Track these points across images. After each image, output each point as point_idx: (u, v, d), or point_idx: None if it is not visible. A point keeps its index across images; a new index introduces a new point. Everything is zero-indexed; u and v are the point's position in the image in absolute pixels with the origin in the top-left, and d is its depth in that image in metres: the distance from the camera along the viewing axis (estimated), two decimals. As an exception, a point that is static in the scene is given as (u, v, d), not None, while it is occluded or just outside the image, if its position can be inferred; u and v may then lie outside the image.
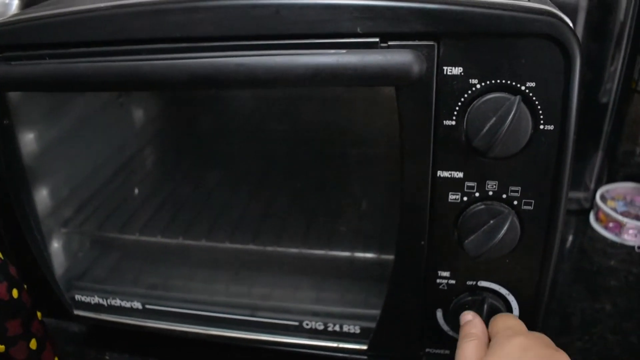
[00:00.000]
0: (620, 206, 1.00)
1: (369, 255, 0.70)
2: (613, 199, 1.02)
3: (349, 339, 0.68)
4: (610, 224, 0.98)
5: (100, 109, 0.86)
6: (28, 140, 0.71)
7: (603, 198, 1.02)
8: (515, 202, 0.55)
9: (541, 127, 0.52)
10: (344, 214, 0.71)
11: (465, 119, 0.53)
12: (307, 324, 0.68)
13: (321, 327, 0.68)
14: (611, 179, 1.06)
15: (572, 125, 0.52)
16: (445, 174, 0.55)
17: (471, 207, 0.56)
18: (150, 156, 0.99)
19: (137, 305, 0.74)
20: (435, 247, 0.58)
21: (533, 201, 0.55)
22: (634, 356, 0.76)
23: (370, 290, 0.69)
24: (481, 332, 0.57)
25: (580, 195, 1.04)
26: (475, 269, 0.59)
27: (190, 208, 0.80)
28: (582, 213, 1.06)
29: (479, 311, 0.60)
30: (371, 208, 0.72)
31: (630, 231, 0.95)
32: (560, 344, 0.79)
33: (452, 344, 0.64)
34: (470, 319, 0.58)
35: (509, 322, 0.57)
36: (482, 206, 0.55)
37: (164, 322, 0.74)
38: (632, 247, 0.96)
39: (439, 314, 0.63)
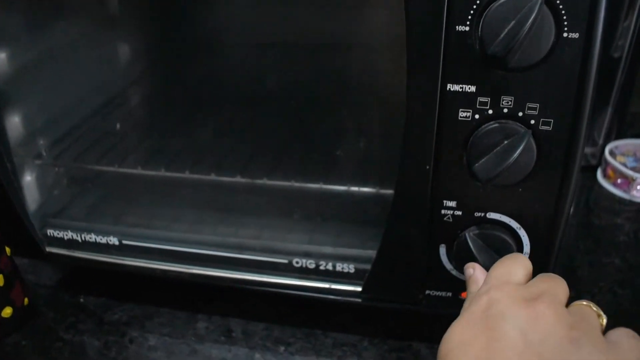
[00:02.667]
0: (630, 162, 0.95)
1: (367, 189, 0.64)
2: (623, 154, 0.96)
3: (342, 280, 0.63)
4: (619, 180, 0.93)
5: (83, 39, 0.79)
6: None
7: (612, 153, 0.96)
8: (533, 121, 0.49)
9: (565, 34, 0.46)
10: (341, 145, 0.65)
11: (481, 23, 0.47)
12: (297, 262, 0.63)
13: (312, 266, 0.63)
14: (620, 136, 1.01)
15: (598, 35, 0.46)
16: (456, 87, 0.49)
17: (483, 126, 0.50)
18: (135, 95, 0.93)
19: (113, 241, 0.68)
20: (442, 172, 0.53)
21: (552, 120, 0.49)
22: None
23: (367, 229, 0.64)
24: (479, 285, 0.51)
25: (587, 150, 0.99)
26: (485, 199, 0.53)
27: (175, 142, 0.74)
28: (589, 169, 1.00)
29: (486, 247, 0.54)
30: (372, 138, 0.65)
31: (639, 187, 0.90)
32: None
33: (455, 285, 0.59)
34: (471, 273, 0.52)
35: (494, 272, 0.49)
36: (496, 125, 0.50)
37: (143, 260, 0.69)
38: (641, 204, 0.90)
39: (442, 250, 0.57)
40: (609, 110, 0.98)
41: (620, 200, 0.93)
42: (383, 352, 0.66)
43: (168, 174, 0.70)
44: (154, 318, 0.73)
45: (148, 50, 0.90)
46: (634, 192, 0.91)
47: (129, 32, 0.87)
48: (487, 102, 0.49)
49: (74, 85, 0.80)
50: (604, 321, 0.44)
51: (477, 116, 0.50)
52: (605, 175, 0.97)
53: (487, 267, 0.51)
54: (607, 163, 0.96)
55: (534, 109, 0.49)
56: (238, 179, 0.67)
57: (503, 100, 0.49)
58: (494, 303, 0.43)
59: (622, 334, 0.43)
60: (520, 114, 0.49)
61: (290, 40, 0.70)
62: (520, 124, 0.50)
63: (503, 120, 0.50)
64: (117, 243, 0.69)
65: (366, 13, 0.63)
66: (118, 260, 0.70)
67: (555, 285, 0.45)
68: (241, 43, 0.74)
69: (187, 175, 0.70)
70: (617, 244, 0.83)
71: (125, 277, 0.75)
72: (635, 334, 0.43)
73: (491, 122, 0.50)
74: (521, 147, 0.48)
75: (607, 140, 1.00)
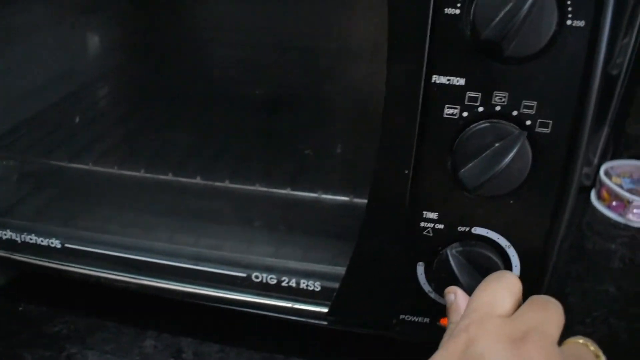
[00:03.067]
0: (626, 183, 0.88)
1: (340, 197, 0.56)
2: (619, 175, 0.90)
3: (307, 299, 0.56)
4: (614, 203, 0.86)
5: (48, 22, 0.72)
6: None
7: (607, 174, 0.90)
8: (529, 122, 0.42)
9: (569, 22, 0.40)
10: (312, 147, 0.57)
11: (474, 6, 0.40)
12: (257, 277, 0.55)
13: (274, 282, 0.55)
14: (616, 157, 0.94)
15: (607, 24, 0.40)
16: (443, 79, 0.42)
17: (472, 125, 0.44)
18: (99, 89, 0.85)
19: (55, 243, 0.61)
20: (423, 178, 0.45)
21: (551, 122, 0.42)
22: None
23: (337, 243, 0.56)
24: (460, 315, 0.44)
25: (581, 170, 0.92)
26: (470, 211, 0.46)
27: (133, 140, 0.66)
28: (582, 190, 0.93)
29: (470, 267, 0.46)
30: (346, 141, 0.58)
31: (636, 210, 0.83)
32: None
33: (433, 309, 0.52)
34: (452, 300, 0.45)
35: (486, 297, 0.41)
36: (486, 124, 0.43)
37: (87, 267, 0.61)
38: (637, 229, 0.84)
39: (420, 269, 0.50)
40: (605, 129, 0.91)
41: (615, 224, 0.86)
42: (349, 383, 0.58)
43: (121, 172, 0.62)
44: (97, 333, 0.65)
45: (118, 46, 0.82)
46: (630, 216, 0.85)
47: (101, 24, 0.79)
48: (478, 97, 0.42)
49: (33, 71, 0.72)
50: None
51: (465, 114, 0.43)
52: (599, 197, 0.90)
53: (470, 291, 0.43)
54: (602, 184, 0.89)
55: (531, 107, 0.42)
56: (198, 181, 0.60)
57: (496, 96, 0.42)
58: (474, 342, 0.36)
59: None
60: (515, 112, 0.42)
61: (263, 39, 0.63)
62: (514, 125, 0.42)
63: (495, 120, 0.43)
64: (59, 246, 0.62)
65: (344, 14, 0.56)
66: (60, 265, 0.62)
67: (547, 317, 0.39)
68: (212, 42, 0.67)
69: (142, 174, 0.62)
70: (611, 270, 0.76)
71: (71, 286, 0.67)
72: None
73: (481, 122, 0.43)
74: (514, 151, 0.41)
75: (603, 160, 0.93)
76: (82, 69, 0.83)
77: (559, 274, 0.76)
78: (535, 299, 0.40)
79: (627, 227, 0.86)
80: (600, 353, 0.38)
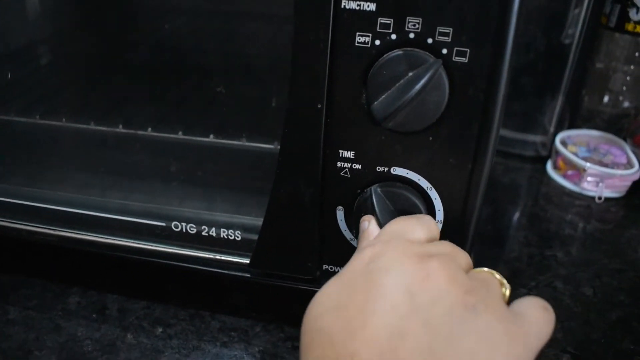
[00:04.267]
0: (582, 152, 0.86)
1: (262, 145, 0.54)
2: (575, 144, 0.87)
3: (228, 250, 0.53)
4: (569, 172, 0.84)
5: None
6: None
7: (563, 143, 0.87)
8: (445, 50, 0.40)
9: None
10: (232, 92, 0.55)
11: None
12: (176, 226, 0.52)
13: (193, 231, 0.52)
14: (573, 127, 0.92)
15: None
16: (352, 5, 0.40)
17: (385, 55, 0.40)
18: (40, 56, 0.81)
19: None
20: (337, 113, 0.43)
21: (468, 50, 0.40)
22: (587, 308, 0.61)
23: (259, 192, 0.53)
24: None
25: (537, 139, 0.90)
26: (389, 150, 0.43)
27: (56, 90, 0.63)
28: (538, 160, 0.91)
29: (391, 210, 0.44)
30: (268, 84, 0.55)
31: (590, 179, 0.81)
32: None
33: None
34: (365, 227, 0.43)
35: (389, 227, 0.41)
36: (400, 53, 0.40)
37: (8, 220, 0.57)
38: (592, 198, 0.82)
39: (340, 214, 0.47)
40: (560, 98, 0.89)
41: (570, 193, 0.84)
42: (276, 340, 0.56)
43: (42, 121, 0.59)
44: (20, 289, 0.62)
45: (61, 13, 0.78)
46: (585, 184, 0.83)
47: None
48: (390, 24, 0.40)
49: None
50: (508, 291, 0.36)
51: (377, 42, 0.40)
52: (555, 167, 0.88)
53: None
54: (557, 153, 0.87)
55: (446, 34, 0.39)
56: (120, 129, 0.57)
57: (409, 22, 0.40)
58: (379, 256, 0.35)
59: (530, 305, 0.34)
60: (430, 40, 0.40)
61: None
62: (429, 54, 0.40)
63: (408, 48, 0.40)
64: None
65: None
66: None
67: (457, 251, 0.38)
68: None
69: (63, 123, 0.58)
70: (561, 237, 0.74)
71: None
72: (547, 306, 0.34)
73: (394, 50, 0.40)
74: (425, 79, 0.39)
75: (559, 129, 0.91)
76: (18, 28, 0.80)
77: (508, 240, 0.74)
78: (447, 242, 0.38)
79: (581, 196, 0.84)
80: (505, 282, 0.36)
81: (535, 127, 0.91)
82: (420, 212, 0.45)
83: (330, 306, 0.34)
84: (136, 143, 0.58)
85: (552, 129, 0.91)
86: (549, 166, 0.90)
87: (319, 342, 0.32)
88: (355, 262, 0.36)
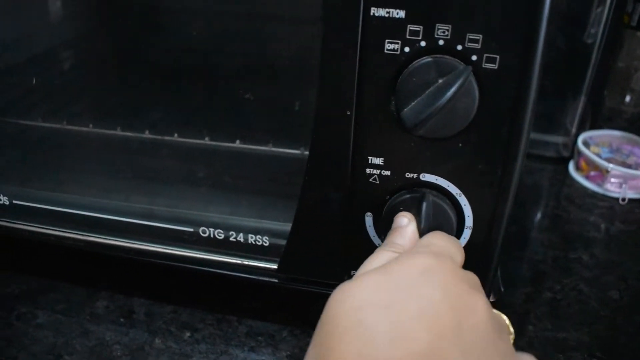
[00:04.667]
0: (605, 152, 0.85)
1: (290, 150, 0.54)
2: (597, 145, 0.87)
3: (256, 255, 0.53)
4: (592, 173, 0.84)
5: None
6: None
7: (586, 144, 0.87)
8: (475, 57, 0.40)
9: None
10: (260, 97, 0.55)
11: None
12: (204, 232, 0.53)
13: (221, 237, 0.53)
14: (595, 127, 0.92)
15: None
16: (382, 12, 0.40)
17: (415, 62, 0.40)
18: (65, 60, 0.82)
19: (3, 200, 0.58)
20: (366, 120, 0.43)
21: (498, 57, 0.39)
22: (614, 311, 0.61)
23: (288, 198, 0.53)
24: (409, 245, 0.41)
25: (559, 139, 0.89)
26: (418, 156, 0.44)
27: (82, 95, 0.63)
28: (559, 162, 0.91)
29: (431, 219, 0.44)
30: (295, 90, 0.55)
31: (613, 180, 0.81)
32: (526, 293, 0.65)
33: (384, 263, 0.48)
34: (404, 224, 0.43)
35: (437, 240, 0.41)
36: (429, 60, 0.40)
37: (36, 225, 0.58)
38: (615, 199, 0.81)
39: (369, 220, 0.47)
40: (582, 99, 0.89)
41: (593, 195, 0.84)
42: (304, 344, 0.56)
43: (69, 127, 0.59)
44: (49, 293, 0.63)
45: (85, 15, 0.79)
46: (608, 185, 0.82)
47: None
48: (419, 31, 0.40)
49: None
50: (512, 337, 0.40)
51: (407, 49, 0.40)
52: (577, 168, 0.88)
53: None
54: (580, 154, 0.86)
55: (476, 41, 0.39)
56: (146, 135, 0.57)
57: (438, 28, 0.40)
58: (434, 271, 0.35)
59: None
60: (460, 47, 0.40)
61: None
62: (459, 61, 0.40)
63: (438, 55, 0.40)
64: (7, 203, 0.59)
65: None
66: (8, 223, 0.60)
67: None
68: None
69: (90, 129, 0.59)
70: (586, 239, 0.74)
71: (24, 246, 0.64)
72: None
73: (424, 57, 0.40)
74: (456, 86, 0.39)
75: (581, 130, 0.91)
76: (43, 33, 0.80)
77: (533, 242, 0.74)
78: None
79: (604, 198, 0.84)
80: (511, 328, 0.40)
81: (557, 128, 0.91)
82: (450, 221, 0.45)
83: (375, 302, 0.33)
84: (163, 148, 0.58)
85: (573, 130, 0.90)
86: (571, 167, 0.89)
87: (356, 335, 0.32)
88: (406, 267, 0.36)
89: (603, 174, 0.83)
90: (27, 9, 0.72)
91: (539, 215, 0.81)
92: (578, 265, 0.70)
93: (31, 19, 0.73)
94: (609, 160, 0.84)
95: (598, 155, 0.85)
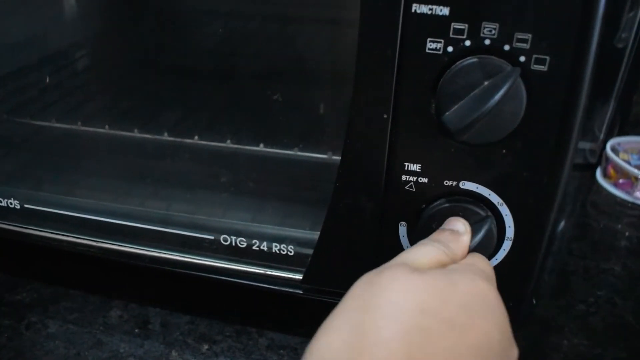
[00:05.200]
0: (634, 160, 0.82)
1: (317, 155, 0.51)
2: (626, 151, 0.84)
3: (280, 265, 0.51)
4: (621, 180, 0.81)
5: None
6: None
7: (614, 150, 0.84)
8: (523, 58, 0.37)
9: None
10: (288, 102, 0.52)
11: None
12: (225, 240, 0.50)
13: (243, 245, 0.50)
14: (623, 134, 0.88)
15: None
16: (424, 9, 0.37)
17: (458, 62, 0.38)
18: (80, 59, 0.79)
19: (14, 204, 0.55)
20: (403, 124, 0.40)
21: (548, 58, 0.36)
22: (649, 325, 0.58)
23: (314, 205, 0.50)
24: (461, 255, 0.38)
25: (586, 145, 0.86)
26: (458, 163, 0.41)
27: (98, 95, 0.60)
28: (587, 168, 0.87)
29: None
30: (325, 91, 0.52)
31: (644, 188, 0.77)
32: (558, 306, 0.62)
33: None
34: (461, 230, 0.41)
35: (484, 265, 0.39)
36: (474, 60, 0.37)
37: (48, 230, 0.55)
38: (646, 207, 0.78)
39: (402, 230, 0.44)
40: (612, 104, 0.86)
41: (622, 203, 0.81)
42: (328, 358, 0.53)
43: (84, 128, 0.57)
44: (61, 301, 0.61)
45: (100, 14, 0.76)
46: (638, 194, 0.79)
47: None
48: (464, 30, 0.37)
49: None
50: None
51: (450, 49, 0.38)
52: (605, 175, 0.84)
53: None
54: (608, 161, 0.83)
55: (525, 41, 0.36)
56: (165, 137, 0.54)
57: (485, 27, 0.37)
58: (495, 304, 0.35)
59: None
60: (507, 47, 0.37)
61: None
62: (506, 62, 0.37)
63: (484, 56, 0.37)
64: (18, 207, 0.57)
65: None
66: (20, 228, 0.57)
67: None
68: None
69: (106, 130, 0.56)
70: (617, 249, 0.71)
71: (37, 253, 0.62)
72: None
73: (468, 58, 0.37)
74: (504, 89, 0.36)
75: (609, 136, 0.88)
76: (58, 32, 0.78)
77: (561, 252, 0.71)
78: None
79: (634, 206, 0.80)
80: None
81: (585, 134, 0.88)
82: (491, 231, 0.42)
83: (438, 314, 0.32)
84: (182, 151, 0.56)
85: (602, 136, 0.87)
86: (599, 174, 0.86)
87: (409, 341, 0.30)
88: (471, 286, 0.34)
89: (633, 181, 0.80)
90: (41, 8, 0.69)
91: (568, 224, 0.78)
92: (611, 276, 0.67)
93: (45, 18, 0.71)
94: (638, 167, 0.80)
95: (627, 162, 0.82)
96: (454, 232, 0.40)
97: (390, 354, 0.28)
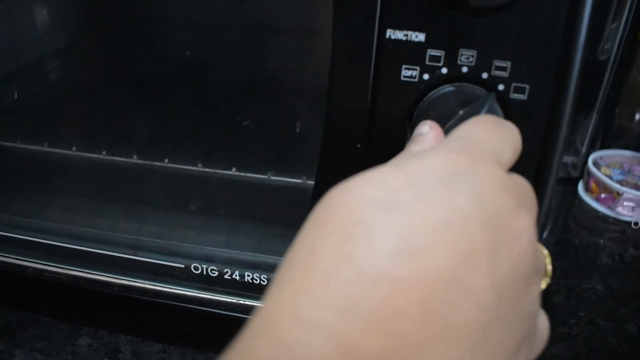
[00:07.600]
0: (616, 174, 0.81)
1: (291, 179, 0.49)
2: (608, 166, 0.83)
3: (253, 294, 0.48)
4: (603, 195, 0.79)
5: None
6: None
7: (596, 164, 0.83)
8: (502, 87, 0.35)
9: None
10: (263, 125, 0.50)
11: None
12: (196, 268, 0.48)
13: (215, 274, 0.48)
14: (605, 147, 0.88)
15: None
16: (399, 35, 0.35)
17: (434, 90, 0.36)
18: (47, 78, 0.76)
19: (-25, 229, 0.53)
20: (378, 154, 0.38)
21: (528, 86, 0.35)
22: (633, 347, 0.57)
23: (288, 231, 0.48)
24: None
25: (568, 159, 0.85)
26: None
27: (65, 117, 0.58)
28: (569, 182, 0.86)
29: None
30: (300, 115, 0.50)
31: (626, 203, 0.76)
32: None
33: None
34: (425, 131, 0.33)
35: (478, 130, 0.30)
36: (451, 89, 0.35)
37: (13, 256, 0.53)
38: (627, 223, 0.77)
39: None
40: (594, 117, 0.85)
41: (604, 218, 0.80)
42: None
43: (50, 149, 0.54)
44: (28, 329, 0.58)
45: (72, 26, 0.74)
46: (620, 209, 0.78)
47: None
48: (440, 57, 0.35)
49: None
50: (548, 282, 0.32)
51: (426, 76, 0.36)
52: (587, 189, 0.83)
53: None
54: (590, 175, 0.82)
55: (504, 69, 0.35)
56: (134, 160, 0.52)
57: (462, 55, 0.35)
58: (470, 173, 0.26)
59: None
60: (485, 75, 0.35)
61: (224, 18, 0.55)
62: (480, 88, 0.35)
63: (459, 84, 0.35)
64: (-20, 232, 0.54)
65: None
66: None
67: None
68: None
69: (73, 152, 0.54)
70: (599, 267, 0.69)
71: (2, 278, 0.59)
72: None
73: (445, 86, 0.35)
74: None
75: (591, 149, 0.87)
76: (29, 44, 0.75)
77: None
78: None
79: (616, 221, 0.79)
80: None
81: (567, 147, 0.87)
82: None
83: (382, 201, 0.24)
84: (152, 175, 0.53)
85: (584, 150, 0.86)
86: (581, 188, 0.85)
87: (349, 236, 0.23)
88: (429, 164, 0.26)
89: (614, 196, 0.79)
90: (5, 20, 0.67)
91: (549, 239, 0.76)
92: (593, 295, 0.66)
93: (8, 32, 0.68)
94: (620, 182, 0.79)
95: (609, 177, 0.81)
96: (417, 135, 0.34)
97: None
